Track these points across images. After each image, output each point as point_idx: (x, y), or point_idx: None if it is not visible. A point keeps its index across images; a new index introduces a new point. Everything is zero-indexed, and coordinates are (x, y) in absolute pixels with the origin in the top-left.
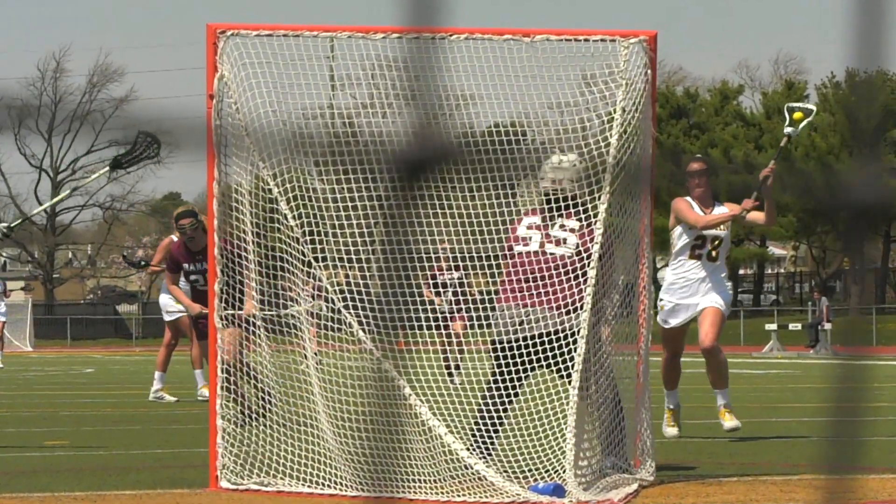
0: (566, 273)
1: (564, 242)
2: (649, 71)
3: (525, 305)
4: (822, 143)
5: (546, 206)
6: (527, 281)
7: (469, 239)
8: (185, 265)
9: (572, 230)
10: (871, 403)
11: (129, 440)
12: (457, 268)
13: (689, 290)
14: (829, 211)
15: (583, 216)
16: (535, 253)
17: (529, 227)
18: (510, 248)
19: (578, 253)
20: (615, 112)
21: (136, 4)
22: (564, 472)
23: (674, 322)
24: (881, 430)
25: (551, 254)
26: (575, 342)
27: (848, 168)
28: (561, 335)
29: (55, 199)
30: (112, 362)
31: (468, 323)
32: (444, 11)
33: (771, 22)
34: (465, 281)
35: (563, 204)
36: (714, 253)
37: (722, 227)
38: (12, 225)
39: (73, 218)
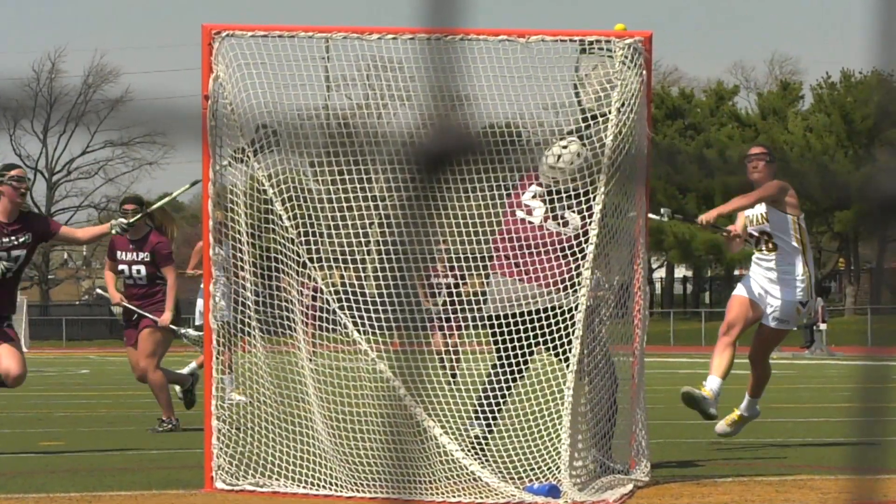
0: (563, 251)
1: (566, 224)
2: (644, 71)
3: (521, 280)
4: (816, 144)
5: (547, 192)
6: (524, 256)
7: (464, 240)
8: (119, 253)
9: (576, 213)
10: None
11: (125, 441)
12: (451, 275)
13: (760, 279)
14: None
15: (578, 208)
16: (536, 227)
17: (534, 197)
18: (511, 213)
19: (577, 235)
20: (610, 113)
21: (132, 5)
22: (559, 472)
23: (737, 292)
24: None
25: (549, 230)
26: (570, 341)
27: (847, 168)
28: (557, 311)
29: (179, 191)
30: (107, 363)
31: (461, 325)
32: (465, 13)
33: (766, 23)
34: (456, 290)
35: (563, 197)
36: (771, 244)
37: (761, 220)
38: (131, 221)
39: (69, 219)
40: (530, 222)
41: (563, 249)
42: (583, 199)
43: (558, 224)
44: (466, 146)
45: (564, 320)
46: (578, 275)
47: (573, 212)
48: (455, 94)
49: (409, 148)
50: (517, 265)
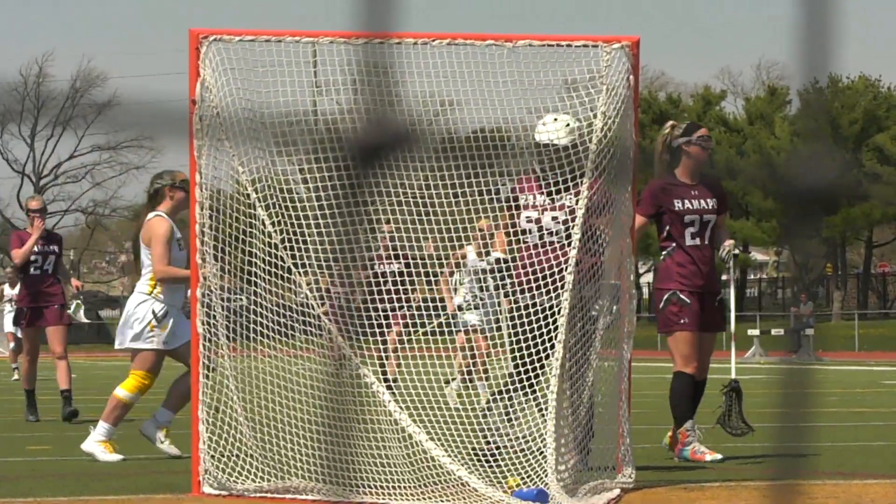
0: (556, 258)
1: (556, 234)
2: (631, 76)
3: (524, 291)
4: (803, 148)
5: (542, 175)
6: (533, 272)
7: (444, 245)
8: None
9: (562, 217)
10: (856, 409)
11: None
12: (397, 257)
13: None
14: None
15: (569, 192)
16: (535, 245)
17: (528, 221)
18: (515, 241)
19: (569, 236)
20: (596, 118)
21: (119, 10)
22: (547, 476)
23: None
24: (860, 436)
25: (549, 243)
26: (552, 344)
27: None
28: (541, 313)
29: None
30: (94, 367)
31: (405, 329)
32: (399, 16)
33: (753, 27)
34: (405, 278)
35: (553, 190)
36: None
37: None
38: None
39: (56, 223)
40: (532, 242)
41: (556, 256)
42: (572, 190)
43: (552, 235)
44: (400, 140)
45: (546, 321)
46: (564, 284)
47: (559, 216)
48: (394, 93)
49: (346, 142)
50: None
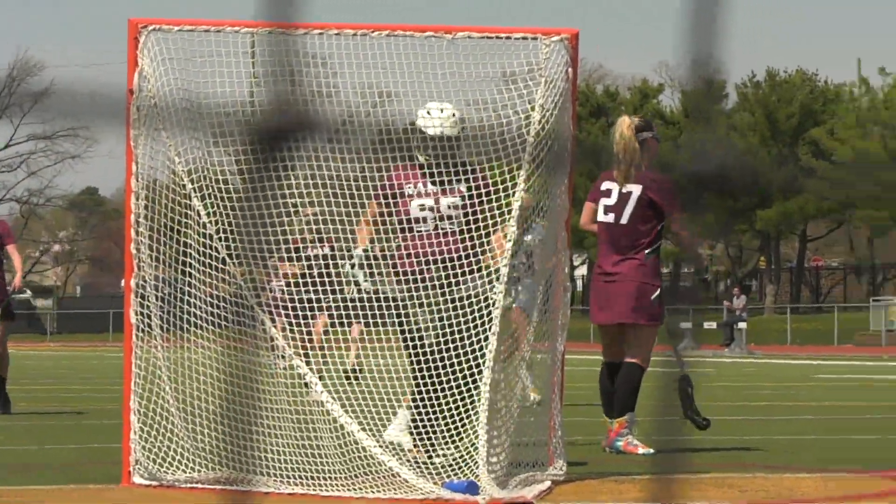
0: (455, 243)
1: (451, 220)
2: (570, 69)
3: (426, 287)
4: (740, 142)
5: (432, 162)
6: (427, 262)
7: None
8: None
9: (459, 203)
10: (788, 403)
11: (42, 436)
12: (321, 241)
13: None
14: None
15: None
16: (429, 234)
17: (422, 209)
18: (408, 229)
19: (467, 223)
20: (534, 110)
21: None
22: (478, 468)
23: None
24: (791, 430)
25: (444, 230)
26: (486, 337)
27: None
28: (465, 301)
29: None
30: (26, 357)
31: (333, 321)
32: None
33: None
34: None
35: (450, 162)
36: None
37: None
38: None
39: None
40: (425, 231)
41: (455, 242)
42: (462, 175)
43: (449, 221)
44: (304, 125)
45: (479, 297)
46: (478, 262)
47: (455, 202)
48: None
49: (250, 126)
50: (421, 273)
